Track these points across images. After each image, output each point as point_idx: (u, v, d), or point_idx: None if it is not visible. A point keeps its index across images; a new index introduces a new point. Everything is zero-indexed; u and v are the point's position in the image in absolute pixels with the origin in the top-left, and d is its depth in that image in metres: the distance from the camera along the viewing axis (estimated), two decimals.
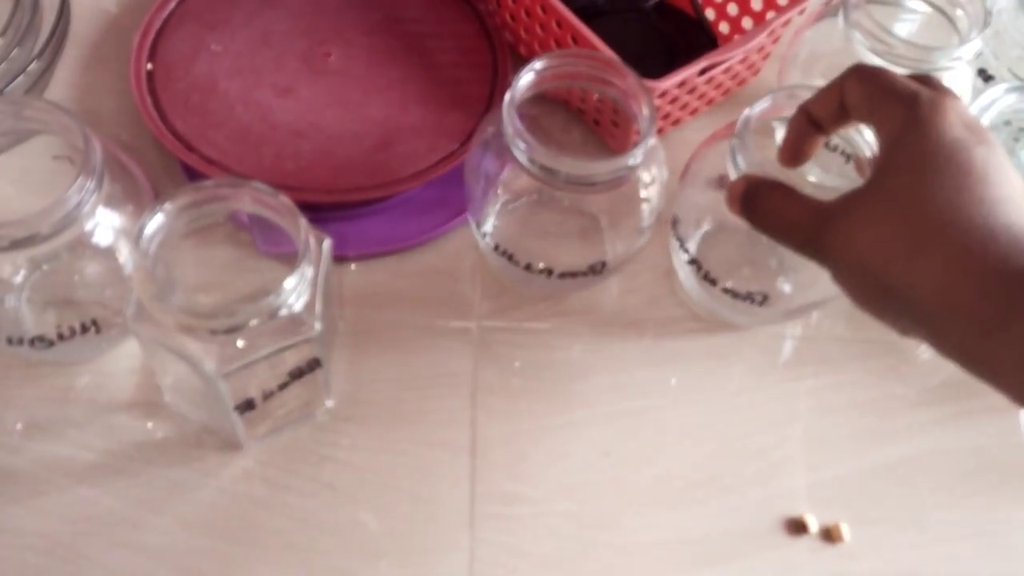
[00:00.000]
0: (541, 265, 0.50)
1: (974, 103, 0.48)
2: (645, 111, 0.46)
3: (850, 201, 0.37)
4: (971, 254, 0.33)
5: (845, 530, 0.47)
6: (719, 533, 0.48)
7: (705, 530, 0.48)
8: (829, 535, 0.47)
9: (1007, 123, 0.53)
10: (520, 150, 0.45)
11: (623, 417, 0.51)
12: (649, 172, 0.48)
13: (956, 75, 0.53)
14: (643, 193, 0.48)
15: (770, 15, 0.60)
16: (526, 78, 0.46)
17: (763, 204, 0.41)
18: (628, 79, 0.47)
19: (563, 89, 0.58)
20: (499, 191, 0.53)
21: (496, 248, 0.51)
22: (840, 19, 0.52)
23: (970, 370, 0.34)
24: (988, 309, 0.33)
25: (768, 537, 0.48)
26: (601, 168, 0.44)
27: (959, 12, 0.53)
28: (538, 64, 0.46)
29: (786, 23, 0.57)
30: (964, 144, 0.35)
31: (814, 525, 0.47)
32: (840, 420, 0.51)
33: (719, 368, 0.53)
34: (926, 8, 0.56)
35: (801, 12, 0.57)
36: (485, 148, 0.49)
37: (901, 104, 0.37)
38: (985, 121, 0.48)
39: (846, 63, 0.53)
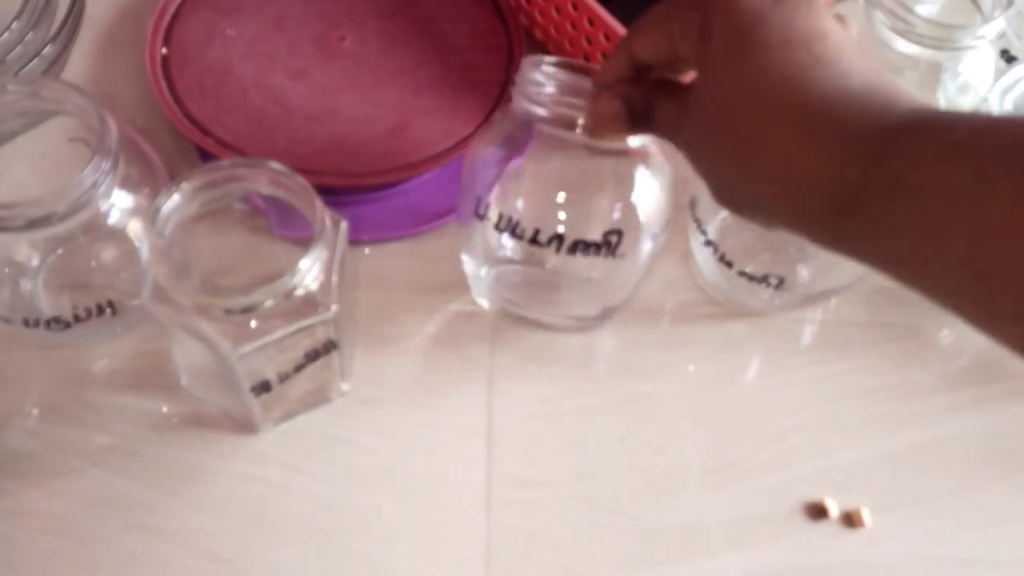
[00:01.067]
0: (551, 233, 0.46)
1: (996, 83, 0.48)
2: None
3: (683, 109, 0.35)
4: (796, 145, 0.30)
5: (866, 515, 0.47)
6: (737, 518, 0.47)
7: (723, 515, 0.47)
8: (850, 520, 0.47)
9: None
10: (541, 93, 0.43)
11: (639, 402, 0.50)
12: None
13: (979, 55, 0.52)
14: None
15: None
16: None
17: (652, 111, 0.37)
18: None
19: None
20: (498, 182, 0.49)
21: (498, 224, 0.47)
22: None
23: (841, 254, 0.31)
24: (829, 203, 0.29)
25: (788, 522, 0.47)
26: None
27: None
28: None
29: None
30: (760, 10, 0.31)
31: (834, 510, 0.47)
32: (860, 405, 0.51)
33: (737, 353, 0.52)
34: None
35: None
36: (486, 161, 0.47)
37: (683, 15, 0.34)
38: (1010, 102, 0.47)
39: (867, 43, 0.53)
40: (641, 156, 0.45)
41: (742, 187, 0.32)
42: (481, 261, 0.51)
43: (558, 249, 0.47)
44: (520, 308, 0.51)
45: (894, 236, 0.28)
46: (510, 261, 0.51)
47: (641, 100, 0.38)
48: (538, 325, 0.52)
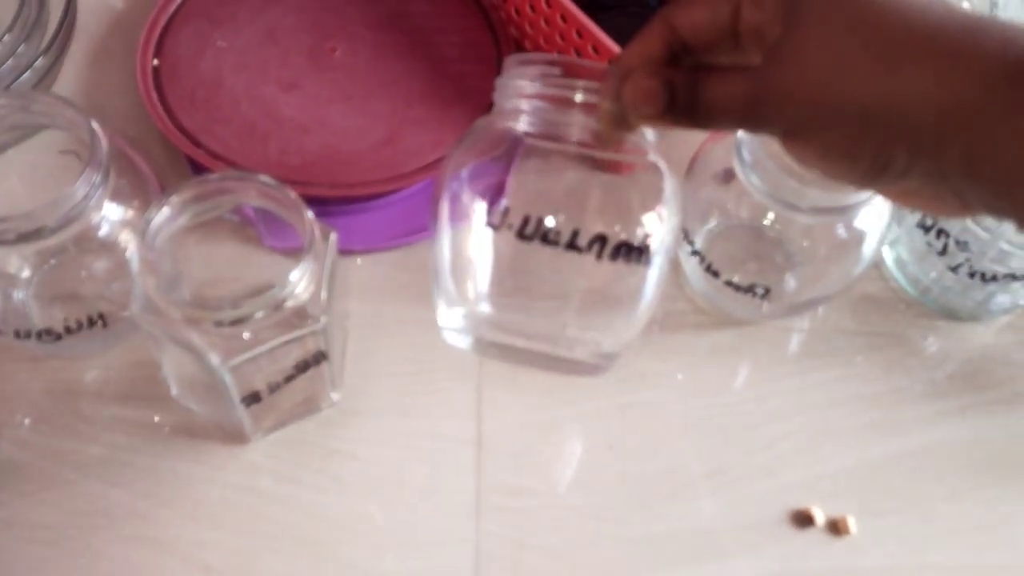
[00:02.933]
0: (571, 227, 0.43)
1: None
2: None
3: (762, 82, 0.31)
4: (962, 53, 0.28)
5: (852, 522, 0.47)
6: (725, 526, 0.48)
7: (711, 523, 0.48)
8: (836, 527, 0.47)
9: None
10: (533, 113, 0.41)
11: (629, 410, 0.51)
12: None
13: None
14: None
15: None
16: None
17: (690, 100, 0.32)
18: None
19: None
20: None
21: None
22: None
23: (973, 188, 0.29)
24: (992, 104, 0.28)
25: (774, 529, 0.47)
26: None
27: (965, 4, 0.53)
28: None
29: None
30: None
31: (820, 517, 0.47)
32: (846, 413, 0.51)
33: (725, 361, 0.53)
34: (965, 6, 0.56)
35: None
36: (463, 179, 0.45)
37: None
38: None
39: None
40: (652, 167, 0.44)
41: (892, 88, 0.29)
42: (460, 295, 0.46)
43: (600, 253, 0.42)
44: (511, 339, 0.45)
45: None
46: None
47: (684, 85, 0.32)
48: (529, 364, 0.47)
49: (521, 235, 0.42)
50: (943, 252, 0.51)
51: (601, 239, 0.42)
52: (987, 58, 0.28)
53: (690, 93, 0.32)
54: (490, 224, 0.43)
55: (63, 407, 0.48)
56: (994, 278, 0.50)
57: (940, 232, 0.51)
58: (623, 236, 0.42)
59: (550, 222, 0.42)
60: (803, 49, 0.30)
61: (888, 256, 0.56)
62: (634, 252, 0.42)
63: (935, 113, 0.28)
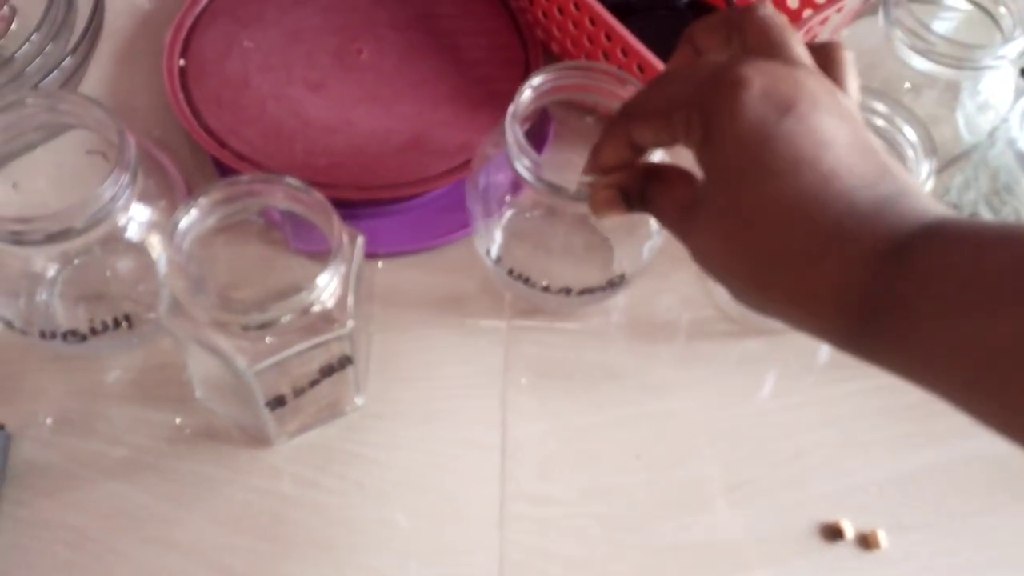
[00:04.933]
0: (559, 285, 0.50)
1: (1016, 106, 0.47)
2: None
3: (695, 211, 0.34)
4: (813, 267, 0.30)
5: (882, 536, 0.46)
6: (752, 538, 0.47)
7: (737, 534, 0.47)
8: (866, 541, 0.47)
9: None
10: (525, 167, 0.44)
11: (654, 419, 0.50)
12: None
13: (999, 75, 0.52)
14: None
15: (807, 13, 0.59)
16: (525, 95, 0.45)
17: (644, 197, 0.38)
18: (631, 90, 0.46)
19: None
20: (504, 209, 0.51)
21: (511, 273, 0.50)
22: (880, 17, 0.52)
23: (866, 361, 0.32)
24: (848, 319, 0.30)
25: (802, 543, 0.47)
26: None
27: (1002, 10, 0.52)
28: (536, 80, 0.45)
29: (823, 21, 0.56)
30: (765, 127, 0.31)
31: (850, 531, 0.47)
32: (876, 424, 0.51)
33: (753, 371, 0.52)
34: (967, 6, 0.55)
35: (839, 10, 0.56)
36: (489, 169, 0.48)
37: (688, 118, 0.33)
38: None
39: (885, 62, 0.53)
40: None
41: (761, 303, 0.33)
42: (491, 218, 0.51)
43: (567, 296, 0.50)
44: (528, 271, 0.50)
45: (911, 351, 0.29)
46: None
47: (635, 188, 0.38)
48: (546, 293, 0.50)
49: (510, 275, 0.50)
50: None
51: (546, 287, 0.50)
52: (831, 266, 0.30)
53: (640, 198, 0.38)
54: (488, 258, 0.51)
55: (86, 408, 0.48)
56: None
57: None
58: (561, 284, 0.49)
59: None
60: (711, 214, 0.33)
61: None
62: (598, 291, 0.50)
63: (798, 323, 0.32)
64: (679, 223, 0.35)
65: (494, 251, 0.51)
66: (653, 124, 0.35)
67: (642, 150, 0.37)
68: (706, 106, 0.32)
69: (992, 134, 0.49)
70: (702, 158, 0.33)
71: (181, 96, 0.56)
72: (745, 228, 0.32)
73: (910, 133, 0.46)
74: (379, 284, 0.53)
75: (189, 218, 0.40)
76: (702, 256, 0.34)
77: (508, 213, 0.53)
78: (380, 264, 0.54)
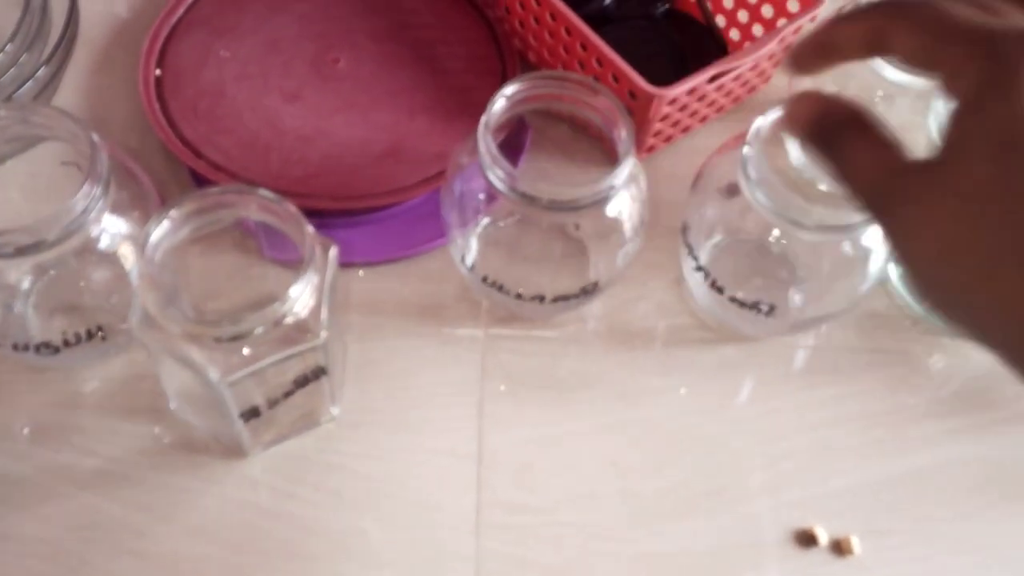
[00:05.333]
0: (532, 292, 0.50)
1: None
2: (623, 133, 0.45)
3: (923, 179, 0.28)
4: None
5: (855, 543, 0.47)
6: (727, 545, 0.47)
7: (713, 541, 0.47)
8: (839, 548, 0.47)
9: None
10: (498, 178, 0.44)
11: (631, 426, 0.50)
12: (630, 191, 0.47)
13: None
14: (625, 212, 0.48)
15: (781, 22, 0.59)
16: (498, 104, 0.45)
17: (833, 139, 0.31)
18: (603, 100, 0.46)
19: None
20: (480, 217, 0.52)
21: (485, 280, 0.50)
22: None
23: None
24: None
25: (777, 549, 0.47)
26: (583, 192, 0.44)
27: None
28: (509, 90, 0.46)
29: (797, 30, 0.57)
30: None
31: (824, 537, 0.47)
32: (851, 431, 0.51)
33: (729, 378, 0.52)
34: None
35: (812, 19, 0.57)
36: (463, 177, 0.49)
37: (972, 56, 0.27)
38: None
39: (857, 71, 0.53)
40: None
41: (975, 302, 0.28)
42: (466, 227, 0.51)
43: (541, 303, 0.50)
44: (502, 280, 0.50)
45: None
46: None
47: (834, 125, 0.31)
48: (519, 300, 0.50)
49: (484, 282, 0.50)
50: None
51: (519, 295, 0.50)
52: None
53: (827, 139, 0.31)
54: (463, 265, 0.51)
55: (61, 420, 0.48)
56: None
57: None
58: (534, 292, 0.50)
59: None
60: (942, 198, 0.27)
61: (894, 273, 0.56)
62: (572, 299, 0.50)
63: (1005, 349, 0.27)
64: (881, 190, 0.29)
65: (469, 259, 0.51)
66: (923, 37, 0.29)
67: (878, 53, 0.31)
68: (1002, 60, 0.27)
69: None
70: (963, 118, 0.28)
71: (157, 106, 0.56)
72: (1006, 210, 0.26)
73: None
74: (356, 293, 0.54)
75: (161, 230, 0.40)
76: (913, 234, 0.28)
77: (483, 221, 0.53)
78: (361, 273, 0.54)
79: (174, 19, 0.59)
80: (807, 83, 0.56)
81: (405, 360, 0.52)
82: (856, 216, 0.44)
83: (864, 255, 0.48)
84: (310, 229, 0.40)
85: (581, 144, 0.59)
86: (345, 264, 0.54)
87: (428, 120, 0.57)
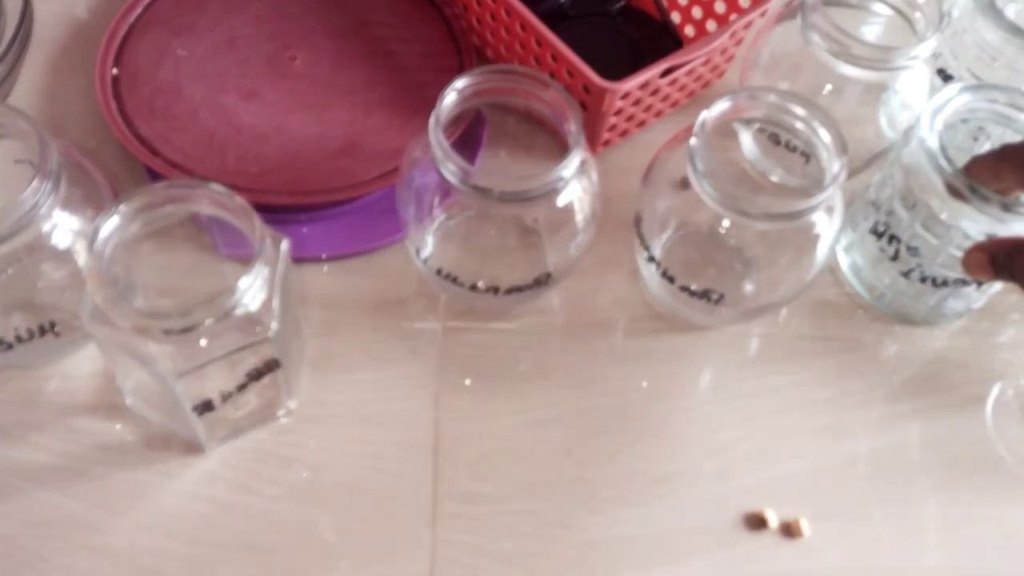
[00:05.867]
0: (486, 284, 0.51)
1: (928, 103, 0.49)
2: (572, 126, 0.46)
3: None
4: None
5: (804, 525, 0.48)
6: (680, 529, 0.48)
7: (666, 526, 0.48)
8: (789, 530, 0.48)
9: (964, 121, 0.54)
10: (451, 172, 0.45)
11: (586, 416, 0.51)
12: (581, 183, 0.48)
13: (914, 75, 0.53)
14: (576, 203, 0.48)
15: (732, 17, 0.60)
16: (449, 98, 0.46)
17: (1012, 264, 0.42)
18: (552, 94, 0.47)
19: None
20: (435, 211, 0.52)
21: (439, 272, 0.51)
22: (799, 21, 0.53)
23: None
24: None
25: (728, 533, 0.48)
26: (533, 184, 0.45)
27: (917, 14, 0.54)
28: (459, 83, 0.47)
29: (748, 25, 0.58)
30: None
31: (774, 520, 0.48)
32: (802, 416, 0.52)
33: (683, 366, 0.53)
34: (888, 12, 0.56)
35: (763, 14, 0.58)
36: (418, 172, 0.49)
37: None
38: (940, 122, 0.48)
39: (806, 64, 0.54)
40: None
41: None
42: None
43: (495, 295, 0.51)
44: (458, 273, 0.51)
45: None
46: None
47: (1004, 257, 0.43)
48: (473, 292, 0.51)
49: (439, 275, 0.51)
50: (895, 258, 0.52)
51: (473, 286, 0.50)
52: None
53: (1008, 269, 0.42)
54: (419, 259, 0.52)
55: (16, 416, 0.48)
56: (945, 283, 0.51)
57: (892, 238, 0.51)
58: (488, 283, 0.50)
59: None
60: None
61: (844, 262, 0.57)
62: (526, 289, 0.51)
63: None
64: None
65: (424, 252, 0.52)
66: None
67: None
68: None
69: (907, 132, 0.51)
70: None
71: (114, 105, 0.56)
72: None
73: (824, 134, 0.47)
74: (315, 287, 0.54)
75: (110, 225, 0.40)
76: None
77: (440, 216, 0.53)
78: (325, 268, 0.54)
79: (131, 18, 0.60)
80: (757, 79, 0.58)
81: (363, 354, 0.52)
82: (801, 203, 0.45)
83: (811, 241, 0.48)
84: (259, 222, 0.41)
85: (537, 138, 0.60)
86: (304, 259, 0.54)
87: (385, 116, 0.58)
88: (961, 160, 0.47)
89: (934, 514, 0.49)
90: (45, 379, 0.50)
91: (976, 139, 0.57)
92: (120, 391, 0.47)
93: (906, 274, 0.52)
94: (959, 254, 0.49)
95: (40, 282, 0.47)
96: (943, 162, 0.47)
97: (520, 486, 0.49)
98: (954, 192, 0.46)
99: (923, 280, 0.51)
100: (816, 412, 0.52)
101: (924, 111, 0.48)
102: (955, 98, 0.49)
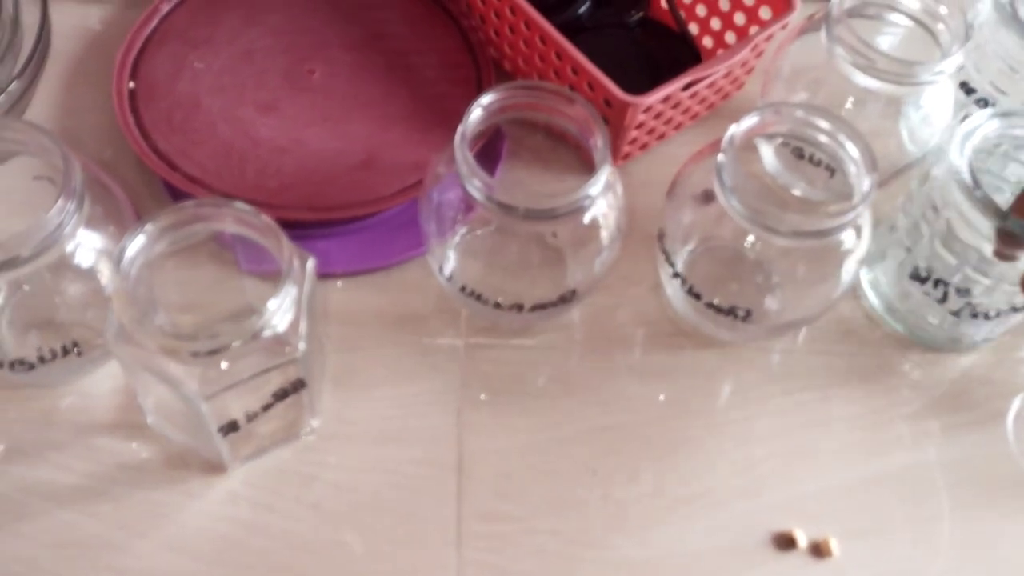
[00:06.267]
0: (510, 301, 0.50)
1: (957, 129, 0.48)
2: (599, 142, 0.45)
3: None
4: None
5: (834, 545, 0.47)
6: (706, 549, 0.47)
7: (692, 546, 0.47)
8: (818, 550, 0.47)
9: (997, 146, 0.53)
10: (476, 188, 0.45)
11: (610, 433, 0.51)
12: (607, 199, 0.48)
13: (938, 89, 0.53)
14: (602, 220, 0.48)
15: (753, 30, 0.60)
16: (475, 114, 0.46)
17: None
18: (578, 109, 0.47)
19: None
20: (457, 226, 0.52)
21: (463, 290, 0.50)
22: (823, 34, 0.53)
23: None
24: None
25: (756, 553, 0.47)
26: (559, 201, 0.44)
27: (940, 26, 0.53)
28: (485, 100, 0.46)
29: (769, 38, 0.57)
30: None
31: (803, 540, 0.47)
32: (828, 434, 0.51)
33: (707, 383, 0.53)
34: (908, 22, 0.56)
35: (784, 27, 0.57)
36: (441, 188, 0.49)
37: None
38: (969, 148, 0.47)
39: (829, 78, 0.54)
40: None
41: None
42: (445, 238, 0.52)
43: (519, 312, 0.50)
44: (480, 289, 0.51)
45: None
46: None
47: None
48: (497, 309, 0.51)
49: (462, 292, 0.51)
50: (943, 300, 0.51)
51: (497, 304, 0.50)
52: None
53: None
54: (441, 275, 0.51)
55: (37, 435, 0.48)
56: (998, 314, 0.50)
57: (938, 283, 0.50)
58: (512, 301, 0.50)
59: None
60: None
61: (865, 281, 0.56)
62: (551, 307, 0.50)
63: None
64: None
65: (447, 269, 0.51)
66: None
67: None
68: None
69: (935, 154, 0.51)
70: None
71: (131, 119, 0.55)
72: None
73: (852, 149, 0.47)
74: (335, 304, 0.53)
75: (136, 244, 0.39)
76: None
77: (461, 231, 0.53)
78: (339, 284, 0.54)
79: (147, 31, 0.59)
80: (778, 91, 0.57)
81: (384, 370, 0.52)
82: (830, 221, 0.45)
83: (838, 260, 0.48)
84: (287, 241, 0.40)
85: (557, 153, 0.60)
86: (323, 275, 0.53)
87: (403, 130, 0.58)
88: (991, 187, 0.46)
89: (963, 532, 0.49)
90: (64, 397, 0.49)
91: (1006, 165, 0.56)
92: (141, 410, 0.47)
93: (956, 313, 0.51)
94: (1012, 288, 0.48)
95: (61, 300, 0.47)
96: (993, 216, 0.45)
97: (544, 504, 0.48)
98: (1006, 239, 0.45)
99: (974, 316, 0.51)
100: (843, 429, 0.51)
101: (954, 138, 0.47)
102: (984, 124, 0.48)
